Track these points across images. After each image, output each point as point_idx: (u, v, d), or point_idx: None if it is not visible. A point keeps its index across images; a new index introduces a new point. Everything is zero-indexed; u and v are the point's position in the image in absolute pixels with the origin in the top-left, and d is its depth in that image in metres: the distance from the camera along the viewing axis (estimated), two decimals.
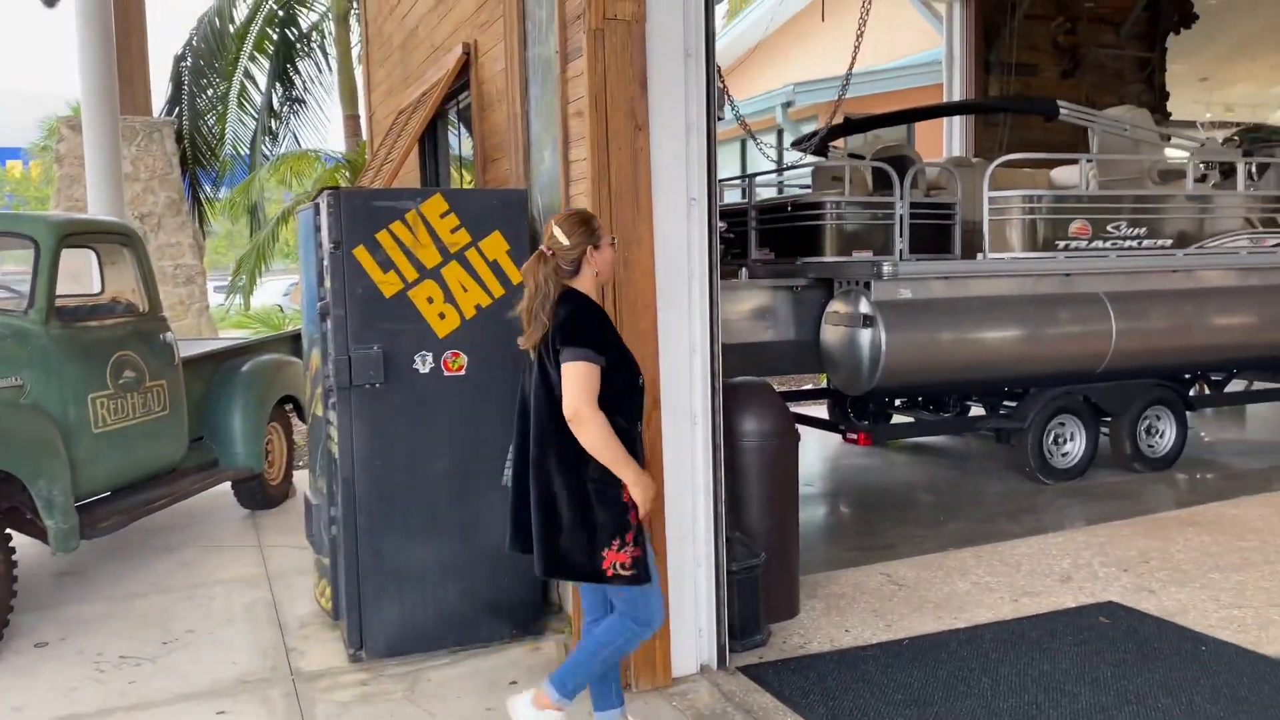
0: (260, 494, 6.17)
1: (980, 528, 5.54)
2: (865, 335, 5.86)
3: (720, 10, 21.88)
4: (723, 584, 3.62)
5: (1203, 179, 7.41)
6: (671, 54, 3.44)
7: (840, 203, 6.32)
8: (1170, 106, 24.25)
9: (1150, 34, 10.82)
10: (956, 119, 10.48)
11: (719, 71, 4.39)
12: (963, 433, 7.59)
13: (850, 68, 7.15)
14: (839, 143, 7.88)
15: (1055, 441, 6.49)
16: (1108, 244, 6.38)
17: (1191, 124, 23.34)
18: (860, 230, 6.42)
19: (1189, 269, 6.62)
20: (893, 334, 5.78)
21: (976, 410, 7.09)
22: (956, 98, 10.42)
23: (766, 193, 8.50)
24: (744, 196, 7.13)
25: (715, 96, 3.56)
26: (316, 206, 3.82)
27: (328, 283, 3.67)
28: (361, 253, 3.60)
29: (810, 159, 7.87)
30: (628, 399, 2.78)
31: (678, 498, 3.54)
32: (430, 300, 3.67)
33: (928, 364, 6.01)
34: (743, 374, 6.76)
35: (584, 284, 2.82)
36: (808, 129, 7.55)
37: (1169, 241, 6.56)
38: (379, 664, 3.74)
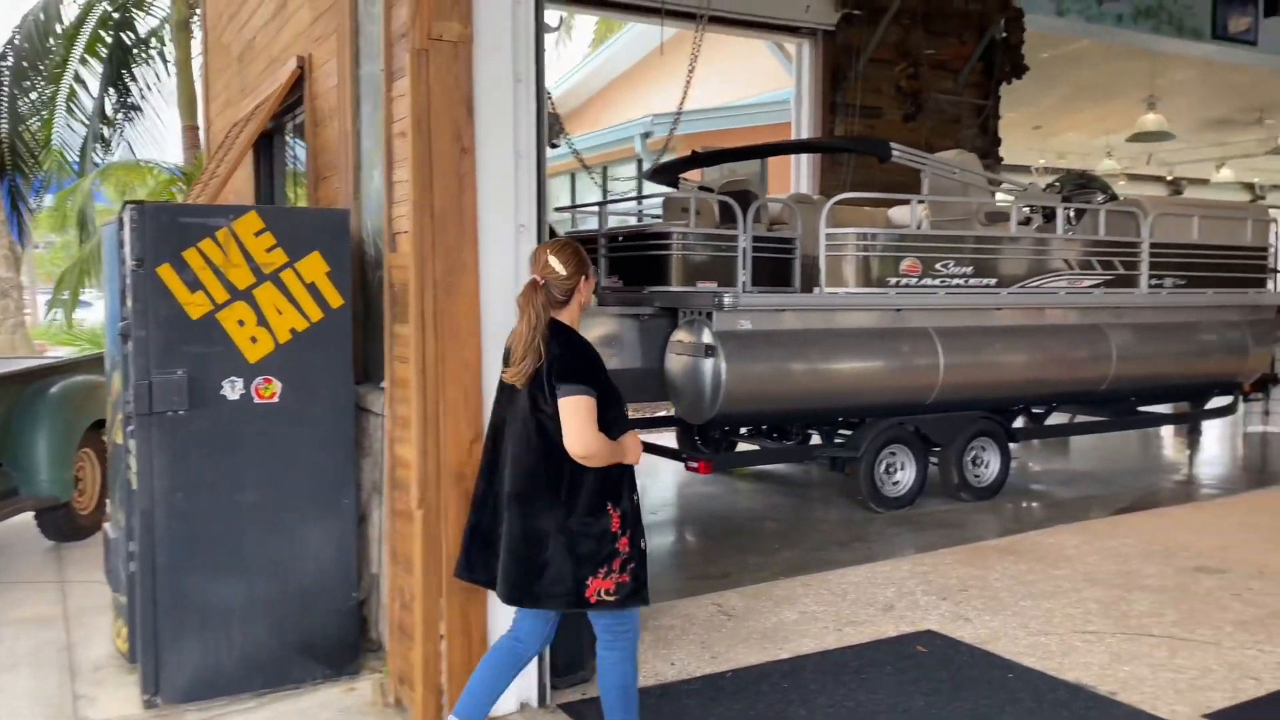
0: (67, 525, 5.76)
1: (813, 556, 5.64)
2: (707, 365, 5.91)
3: (584, 39, 22.04)
4: None
5: (1026, 222, 7.83)
6: (500, 78, 3.38)
7: (686, 234, 6.38)
8: (1006, 152, 25.59)
9: (986, 83, 11.38)
10: (805, 158, 10.79)
11: (550, 99, 4.36)
12: (801, 461, 7.76)
13: (680, 105, 7.31)
14: (695, 175, 8.00)
15: (887, 471, 6.69)
16: (937, 281, 6.65)
17: (1026, 169, 24.79)
18: (705, 261, 6.49)
19: (1011, 307, 6.96)
20: (733, 364, 5.86)
21: (817, 439, 7.28)
22: (805, 133, 10.75)
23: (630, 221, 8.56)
24: (600, 224, 7.13)
25: (545, 123, 3.52)
26: (120, 221, 3.58)
27: (129, 303, 3.44)
28: (167, 271, 3.39)
29: (665, 190, 7.96)
30: (615, 425, 2.79)
31: None
32: (241, 323, 3.48)
33: (766, 393, 6.11)
34: None
35: (569, 315, 2.87)
36: (667, 159, 7.62)
37: (994, 280, 6.88)
38: (176, 710, 3.49)
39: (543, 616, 2.95)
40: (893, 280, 6.48)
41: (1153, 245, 7.60)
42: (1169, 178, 25.75)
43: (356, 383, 3.91)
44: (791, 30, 10.46)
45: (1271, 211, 8.75)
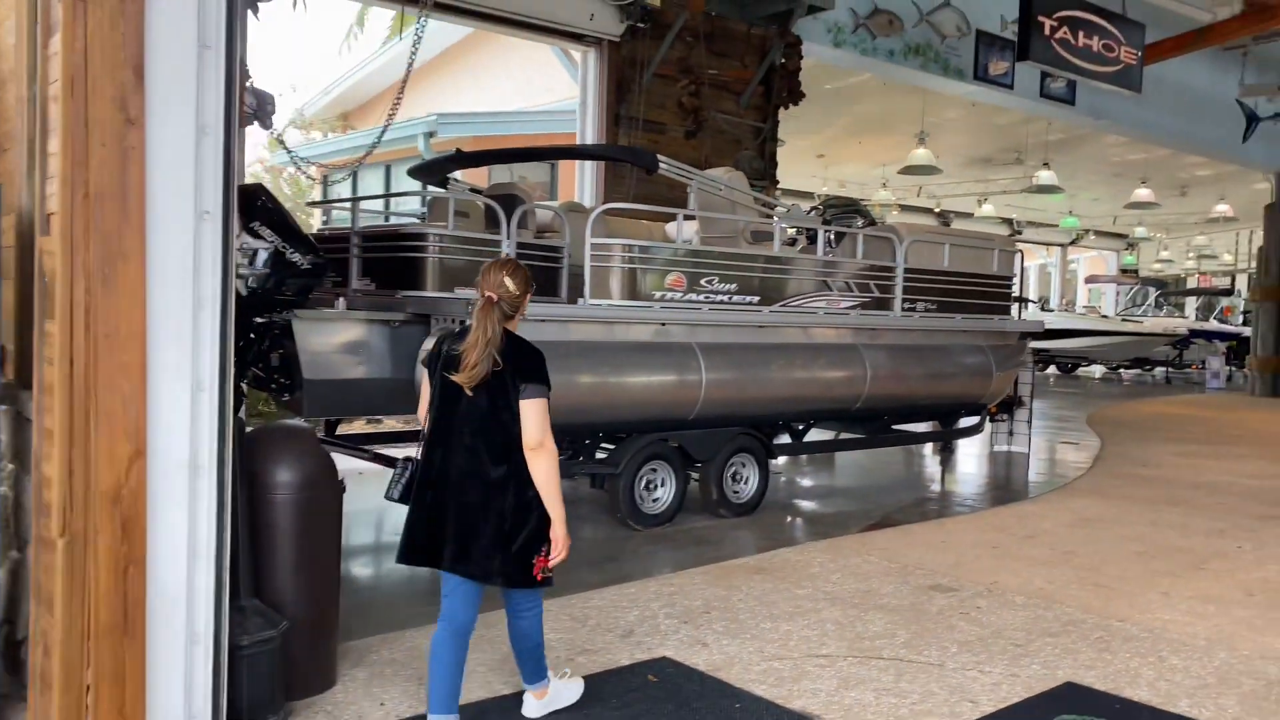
0: None
1: (561, 578, 5.39)
2: None
3: (381, 29, 21.15)
4: (223, 664, 3.12)
5: (792, 243, 7.96)
6: (182, 43, 2.95)
7: (443, 237, 6.04)
8: (792, 179, 26.64)
9: (765, 106, 11.62)
10: (589, 169, 10.67)
11: (247, 72, 3.93)
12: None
13: (392, 115, 7.01)
14: (481, 177, 7.65)
15: (647, 487, 6.57)
16: (701, 297, 6.60)
17: (809, 194, 25.74)
18: (465, 267, 6.17)
19: (773, 325, 7.02)
20: None
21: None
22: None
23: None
24: (352, 222, 6.66)
25: (239, 97, 3.11)
26: None
27: None
28: None
29: (429, 190, 7.57)
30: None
31: (169, 563, 3.00)
32: None
33: None
34: (331, 412, 6.27)
35: (513, 326, 3.25)
36: (430, 158, 7.23)
37: (756, 298, 6.92)
38: None
39: (475, 590, 3.28)
40: (658, 294, 6.38)
41: (906, 270, 7.89)
42: (936, 210, 27.51)
43: (23, 386, 3.36)
44: (577, 38, 10.33)
45: (1017, 243, 9.29)
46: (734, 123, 11.18)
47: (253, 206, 5.62)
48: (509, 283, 3.16)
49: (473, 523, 3.13)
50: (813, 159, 24.70)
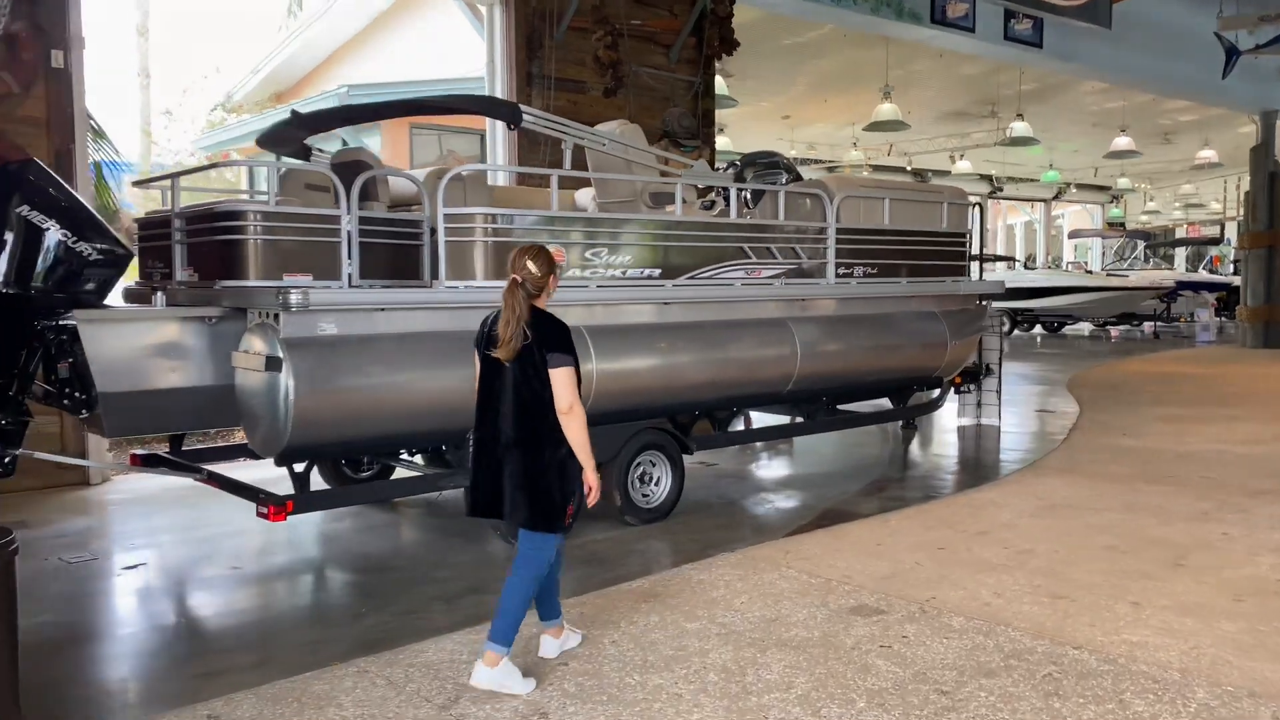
0: None
1: (403, 622, 4.49)
2: (272, 382, 4.63)
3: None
4: None
5: (710, 206, 7.00)
6: None
7: (266, 214, 5.05)
8: (757, 142, 25.58)
9: (699, 59, 10.61)
10: (501, 135, 9.68)
11: None
12: (424, 492, 6.41)
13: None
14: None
15: None
16: (586, 273, 5.64)
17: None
18: (297, 249, 5.18)
19: (677, 301, 6.06)
20: (306, 380, 4.60)
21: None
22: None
23: None
24: (171, 203, 5.66)
25: None
26: None
27: None
28: None
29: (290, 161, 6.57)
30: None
31: None
32: None
33: (364, 415, 4.89)
34: (138, 430, 5.29)
35: (541, 303, 3.62)
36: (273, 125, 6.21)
37: (657, 271, 5.95)
38: None
39: (535, 535, 3.64)
40: None
41: (840, 231, 6.93)
42: (909, 168, 26.50)
43: None
44: None
45: (970, 195, 8.34)
46: (661, 78, 10.18)
47: (13, 184, 4.64)
48: (531, 266, 3.55)
49: (518, 478, 3.54)
50: (778, 121, 23.66)
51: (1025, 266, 26.09)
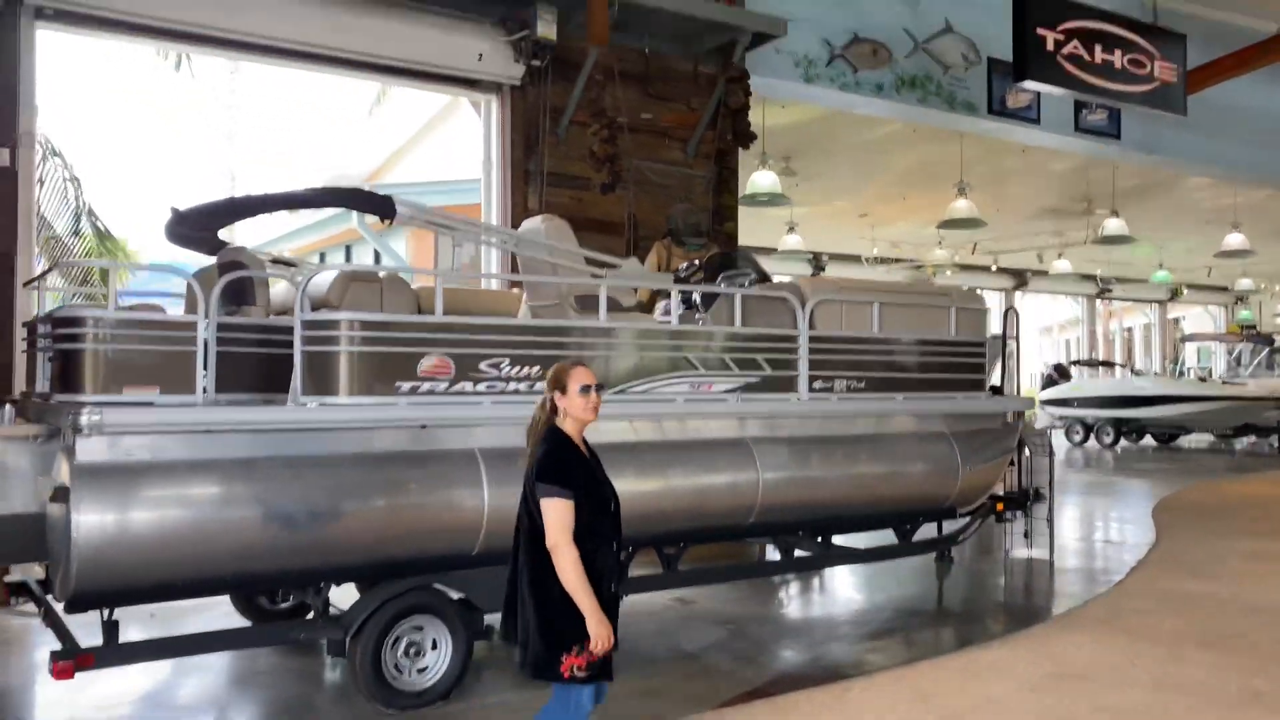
0: None
1: None
2: (61, 515, 4.01)
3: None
4: None
5: (636, 307, 6.22)
6: None
7: (100, 321, 4.51)
8: (838, 243, 24.78)
9: (715, 153, 9.95)
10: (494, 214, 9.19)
11: None
12: (263, 645, 5.59)
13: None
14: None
15: (409, 653, 4.79)
16: (481, 386, 4.91)
17: (857, 258, 23.82)
18: (151, 359, 4.61)
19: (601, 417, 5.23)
20: (96, 514, 3.96)
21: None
22: (494, 210, 9.15)
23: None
24: (37, 305, 5.23)
25: None
26: None
27: None
28: None
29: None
30: (597, 523, 3.34)
31: None
32: None
33: (173, 558, 4.19)
34: None
35: (567, 424, 3.47)
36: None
37: None
38: None
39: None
40: (407, 385, 4.72)
41: (819, 339, 6.03)
42: (994, 268, 25.13)
43: None
44: (470, 83, 8.92)
45: (988, 297, 7.33)
46: (669, 172, 9.54)
47: None
48: (548, 381, 3.48)
49: (524, 615, 3.29)
50: (856, 219, 22.81)
51: (1133, 373, 24.22)
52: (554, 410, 3.44)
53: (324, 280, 5.19)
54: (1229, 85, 13.03)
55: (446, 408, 4.80)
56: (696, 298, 5.93)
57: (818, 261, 24.65)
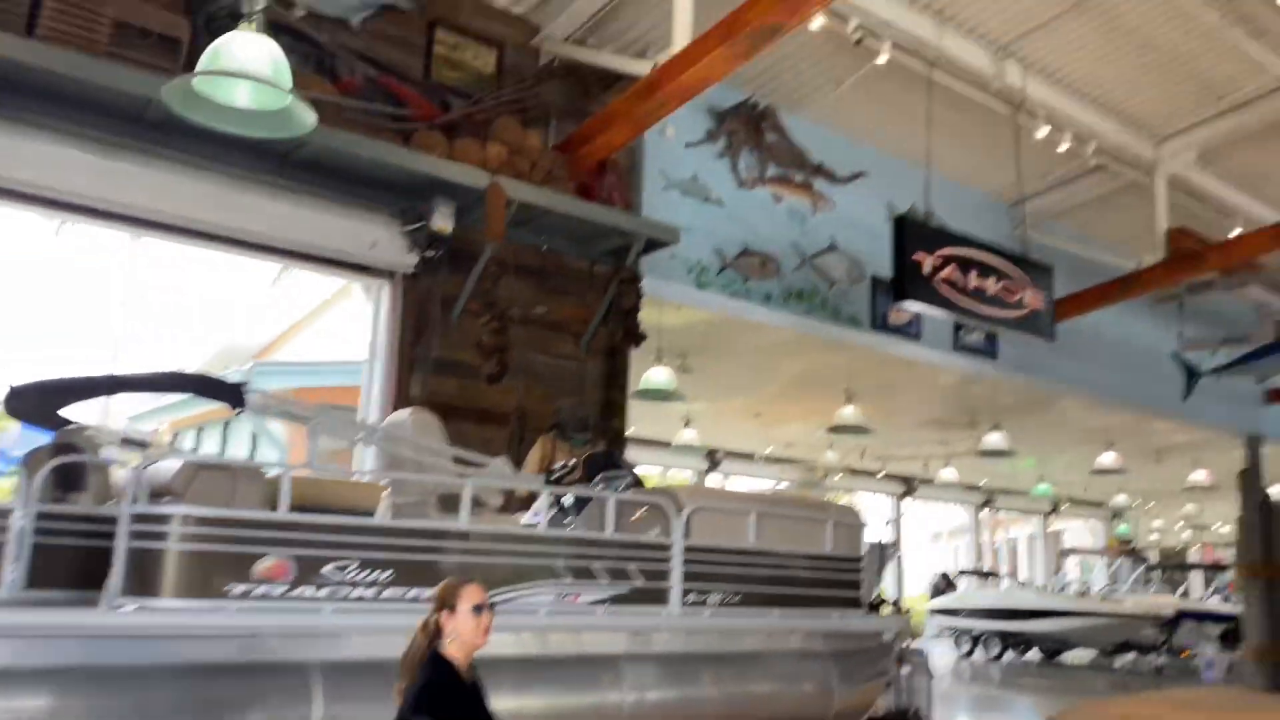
0: None
1: None
2: None
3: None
4: None
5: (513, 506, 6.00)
6: None
7: None
8: (731, 440, 25.02)
9: (607, 349, 10.00)
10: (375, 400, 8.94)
11: None
12: None
13: None
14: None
15: None
16: (323, 591, 4.56)
17: (749, 456, 23.97)
18: None
19: None
20: None
21: None
22: (375, 395, 8.93)
23: None
24: None
25: None
26: None
27: None
28: None
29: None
30: None
31: None
32: None
33: None
34: None
35: (452, 648, 3.17)
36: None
37: (427, 591, 4.85)
38: None
39: None
40: (239, 589, 4.35)
41: (690, 548, 5.86)
42: (879, 474, 25.61)
43: None
44: (362, 269, 8.87)
45: (877, 503, 7.31)
46: (557, 366, 9.52)
47: None
48: (435, 599, 3.14)
49: None
50: (750, 418, 23.17)
51: (1018, 584, 24.52)
52: (438, 633, 3.16)
53: (167, 468, 4.86)
54: (1096, 315, 13.87)
55: (282, 615, 4.42)
56: (566, 500, 5.74)
57: (713, 457, 24.81)
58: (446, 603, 3.20)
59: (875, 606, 7.53)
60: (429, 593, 4.71)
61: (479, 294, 8.94)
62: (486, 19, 9.89)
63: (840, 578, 6.68)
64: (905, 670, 7.96)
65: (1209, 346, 13.96)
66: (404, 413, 5.64)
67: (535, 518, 5.57)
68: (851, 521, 6.90)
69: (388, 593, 4.70)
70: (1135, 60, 11.18)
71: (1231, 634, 21.87)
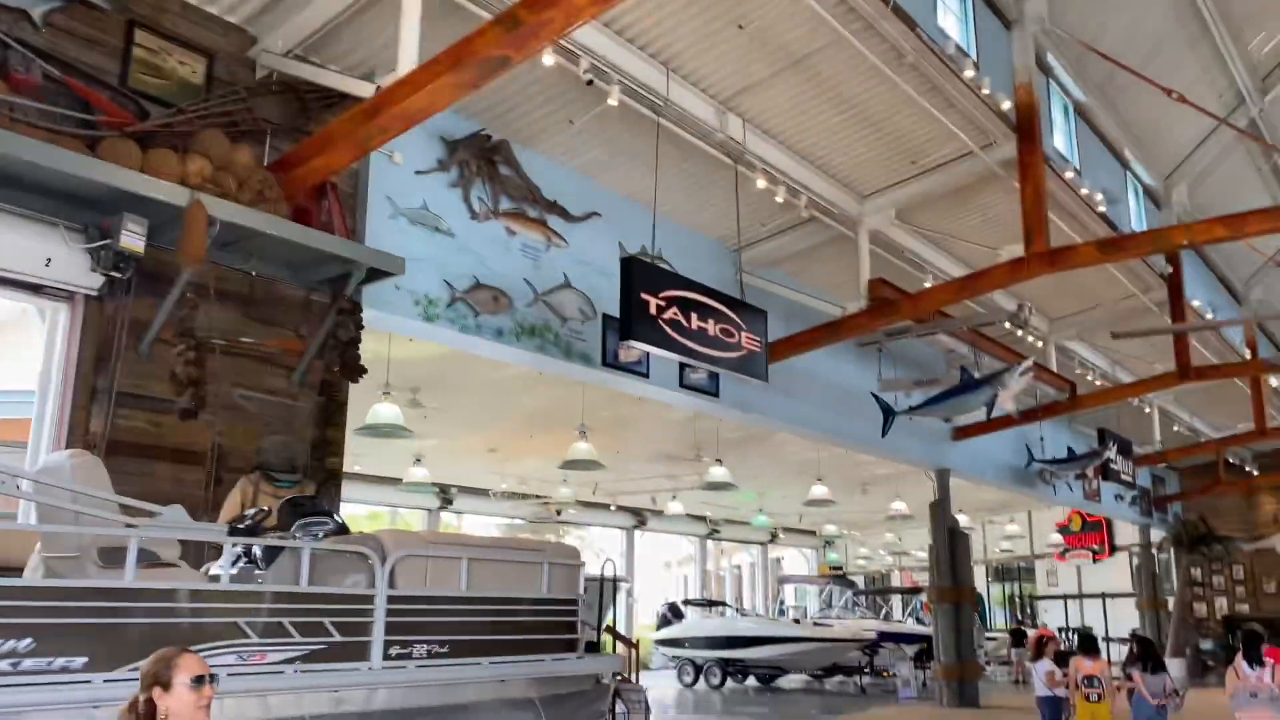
0: None
1: None
2: None
3: None
4: None
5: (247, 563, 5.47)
6: None
7: None
8: (467, 476, 24.56)
9: (323, 384, 9.42)
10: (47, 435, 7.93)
11: None
12: None
13: None
14: None
15: None
16: None
17: (484, 492, 23.57)
18: None
19: (96, 702, 4.31)
20: None
21: None
22: (48, 428, 7.92)
23: None
24: None
25: None
26: None
27: None
28: None
29: None
30: None
31: None
32: None
33: None
34: None
35: None
36: None
37: (82, 659, 4.25)
38: None
39: None
40: None
41: (393, 599, 5.53)
42: (612, 508, 26.09)
43: None
44: (35, 289, 7.87)
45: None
46: (264, 401, 8.86)
47: None
48: (142, 677, 2.81)
49: None
50: (485, 454, 22.88)
51: (739, 613, 25.57)
52: (150, 715, 2.73)
53: None
54: (809, 356, 14.75)
55: None
56: (257, 551, 5.26)
57: (446, 494, 24.24)
58: (158, 679, 2.76)
59: (594, 646, 7.46)
60: (77, 661, 4.15)
61: (175, 321, 8.17)
62: (196, 24, 9.15)
63: (556, 620, 6.56)
64: (620, 710, 7.95)
65: (904, 388, 15.19)
66: (62, 455, 4.97)
67: (219, 570, 5.05)
68: (569, 560, 6.81)
69: (27, 663, 4.05)
70: (842, 122, 12.05)
71: (925, 653, 23.88)
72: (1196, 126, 18.37)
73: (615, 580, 8.45)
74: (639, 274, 10.26)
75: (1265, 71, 19.08)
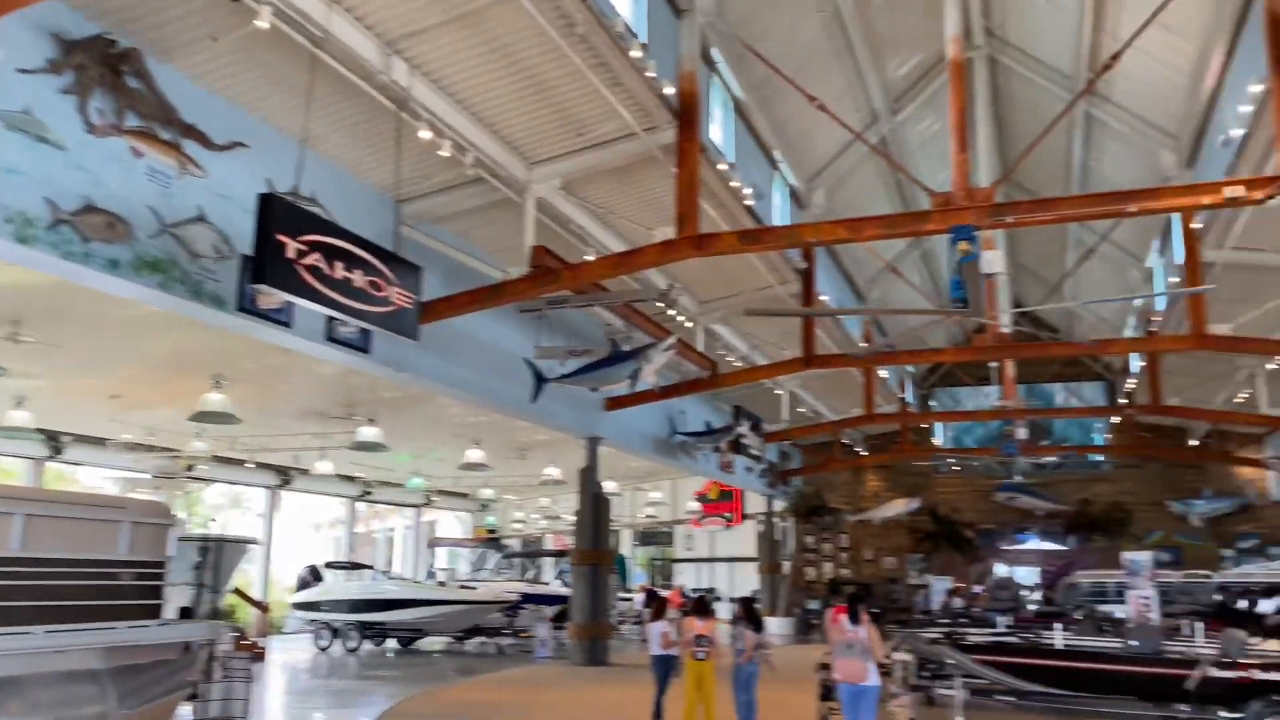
0: None
1: None
2: None
3: None
4: None
5: None
6: None
7: None
8: (84, 424, 21.99)
9: None
10: None
11: None
12: None
13: None
14: None
15: None
16: None
17: (101, 441, 21.18)
18: None
19: None
20: None
21: None
22: None
23: None
24: None
25: None
26: None
27: None
28: None
29: None
30: None
31: None
32: None
33: None
34: None
35: None
36: None
37: None
38: None
39: None
40: None
41: None
42: (251, 464, 24.62)
43: None
44: None
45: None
46: None
47: None
48: None
49: None
50: (106, 400, 20.57)
51: (386, 576, 25.00)
52: None
53: None
54: (471, 319, 14.56)
55: None
56: None
57: (55, 443, 21.59)
58: None
59: (189, 612, 6.85)
60: None
61: None
62: None
63: (136, 584, 5.92)
64: (220, 678, 7.38)
65: (559, 356, 15.43)
66: None
67: None
68: (156, 520, 6.17)
69: None
70: (513, 84, 11.92)
71: (565, 614, 24.66)
72: (838, 137, 20.14)
73: (241, 541, 7.79)
74: (278, 212, 9.54)
75: (898, 93, 21.29)
